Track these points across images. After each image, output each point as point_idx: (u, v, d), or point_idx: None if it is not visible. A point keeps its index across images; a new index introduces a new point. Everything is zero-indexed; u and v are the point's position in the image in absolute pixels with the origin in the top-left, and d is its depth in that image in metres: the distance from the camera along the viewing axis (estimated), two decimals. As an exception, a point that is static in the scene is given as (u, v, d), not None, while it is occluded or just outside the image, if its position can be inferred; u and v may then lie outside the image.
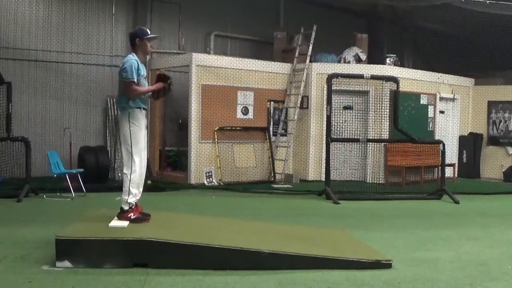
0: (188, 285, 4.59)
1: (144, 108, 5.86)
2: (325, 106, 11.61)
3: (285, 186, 12.32)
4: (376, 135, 12.63)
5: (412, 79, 13.80)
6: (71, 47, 12.82)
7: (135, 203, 5.81)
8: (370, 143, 12.43)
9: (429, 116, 14.31)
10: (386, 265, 5.28)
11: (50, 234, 5.66)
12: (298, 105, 13.25)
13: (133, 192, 5.74)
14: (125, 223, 5.61)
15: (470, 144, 15.15)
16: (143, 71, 5.89)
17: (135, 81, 5.70)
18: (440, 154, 11.39)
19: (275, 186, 12.29)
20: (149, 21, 13.73)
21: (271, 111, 13.43)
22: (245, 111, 12.93)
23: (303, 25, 13.96)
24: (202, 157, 12.27)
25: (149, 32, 5.99)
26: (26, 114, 12.26)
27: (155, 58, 13.66)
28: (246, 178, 12.69)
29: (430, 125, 14.35)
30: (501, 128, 15.04)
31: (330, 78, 10.78)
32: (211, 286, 4.58)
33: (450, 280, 4.96)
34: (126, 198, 5.72)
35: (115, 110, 13.03)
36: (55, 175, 9.92)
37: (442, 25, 15.79)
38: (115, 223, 5.61)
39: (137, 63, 5.76)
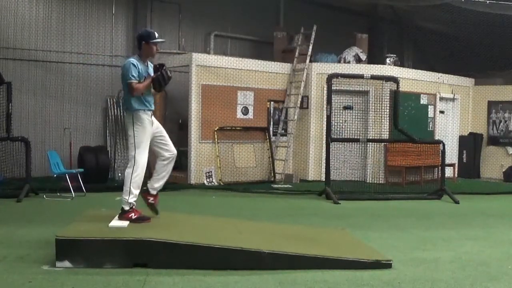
0: (188, 285, 4.59)
1: (149, 109, 5.85)
2: (325, 106, 11.61)
3: (285, 186, 12.32)
4: (376, 135, 12.63)
5: (412, 79, 13.80)
6: (71, 47, 12.82)
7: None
8: (370, 143, 12.44)
9: (429, 116, 14.31)
10: (386, 265, 5.28)
11: (50, 234, 5.66)
12: (298, 105, 13.25)
13: (134, 192, 5.75)
14: (125, 223, 5.61)
15: (470, 144, 15.14)
16: (145, 71, 5.88)
17: (135, 80, 5.73)
18: (440, 154, 11.40)
19: (275, 186, 12.29)
20: (149, 21, 13.73)
21: (271, 111, 13.43)
22: (245, 111, 12.93)
23: (303, 25, 13.96)
24: (202, 157, 12.27)
25: (156, 35, 5.97)
26: (26, 114, 12.25)
27: (155, 58, 13.63)
28: (246, 178, 12.69)
29: (430, 125, 14.35)
30: (501, 128, 15.04)
31: (330, 78, 10.78)
32: (211, 286, 4.58)
33: (450, 280, 4.96)
34: (127, 198, 5.72)
35: (115, 110, 13.05)
36: (55, 175, 9.92)
37: (442, 25, 15.79)
38: (115, 223, 5.61)
39: (136, 64, 5.78)
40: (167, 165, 6.05)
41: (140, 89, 5.75)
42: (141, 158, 5.76)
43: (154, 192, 6.09)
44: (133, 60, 5.84)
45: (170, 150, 6.03)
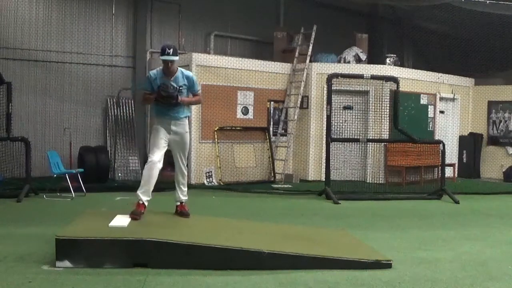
0: (188, 285, 4.59)
1: (163, 118, 6.17)
2: (325, 106, 11.61)
3: (285, 186, 12.31)
4: (376, 135, 12.63)
5: (412, 79, 13.80)
6: (71, 47, 12.83)
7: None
8: (370, 143, 12.43)
9: (429, 116, 14.31)
10: (386, 265, 5.28)
11: (50, 234, 5.65)
12: (298, 105, 13.25)
13: (141, 184, 6.07)
14: (125, 223, 5.62)
15: (470, 144, 15.14)
16: (165, 83, 6.06)
17: (144, 91, 6.31)
18: (440, 154, 11.40)
19: (275, 186, 12.29)
20: (149, 21, 13.75)
21: (271, 111, 13.43)
22: (245, 111, 12.93)
23: (303, 25, 13.96)
24: (202, 157, 12.27)
25: (167, 52, 5.98)
26: (26, 114, 12.26)
27: (155, 58, 13.65)
28: (246, 178, 12.70)
29: (430, 125, 14.35)
30: (501, 128, 15.04)
31: (330, 78, 10.78)
32: (211, 286, 4.58)
33: (450, 280, 4.96)
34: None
35: (115, 110, 13.06)
36: (55, 175, 9.92)
37: (442, 25, 15.79)
38: (115, 223, 5.61)
39: (150, 76, 6.20)
40: (176, 177, 6.50)
41: (144, 100, 6.44)
42: (151, 156, 6.14)
43: (177, 203, 6.55)
44: (151, 72, 6.31)
45: (176, 165, 6.43)
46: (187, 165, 12.59)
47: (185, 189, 6.51)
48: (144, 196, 6.00)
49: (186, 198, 6.55)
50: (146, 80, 6.33)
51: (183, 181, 6.48)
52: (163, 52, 6.02)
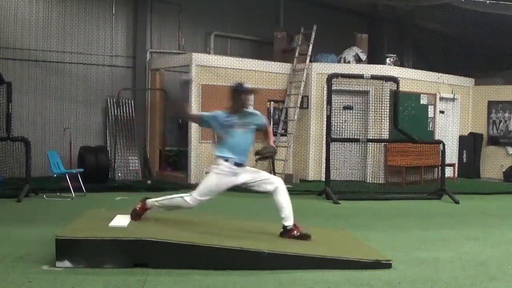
0: (188, 285, 4.59)
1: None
2: (325, 106, 11.61)
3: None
4: (376, 135, 12.63)
5: (412, 79, 13.79)
6: (71, 47, 12.82)
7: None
8: (370, 143, 12.43)
9: (429, 116, 14.30)
10: (386, 265, 5.28)
11: (50, 234, 5.65)
12: (298, 105, 13.24)
13: (162, 203, 5.98)
14: (125, 223, 5.62)
15: (470, 144, 15.14)
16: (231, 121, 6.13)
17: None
18: (440, 154, 11.40)
19: (275, 186, 12.26)
20: (149, 21, 13.74)
21: (271, 111, 13.41)
22: (245, 111, 12.90)
23: (303, 25, 13.95)
24: (202, 157, 12.26)
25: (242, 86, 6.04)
26: (26, 114, 12.24)
27: (155, 58, 13.67)
28: (246, 178, 12.66)
29: (430, 125, 14.35)
30: (501, 128, 15.04)
31: (330, 78, 10.78)
32: (211, 286, 4.58)
33: (450, 280, 4.96)
34: None
35: (115, 110, 13.05)
36: (55, 175, 9.92)
37: (442, 25, 15.79)
38: (115, 223, 5.61)
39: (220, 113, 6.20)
40: None
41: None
42: None
43: None
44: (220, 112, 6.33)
45: None
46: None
47: None
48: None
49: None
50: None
51: None
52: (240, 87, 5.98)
